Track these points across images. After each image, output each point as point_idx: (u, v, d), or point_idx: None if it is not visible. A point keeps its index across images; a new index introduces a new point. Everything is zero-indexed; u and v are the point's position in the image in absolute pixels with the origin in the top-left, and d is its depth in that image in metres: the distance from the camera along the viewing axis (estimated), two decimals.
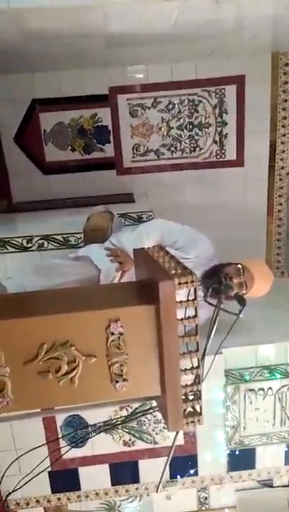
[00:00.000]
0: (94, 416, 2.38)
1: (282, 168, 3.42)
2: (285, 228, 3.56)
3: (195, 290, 1.13)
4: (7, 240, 2.42)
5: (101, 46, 2.67)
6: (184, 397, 1.21)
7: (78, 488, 2.67)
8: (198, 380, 1.20)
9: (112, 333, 1.18)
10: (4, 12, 1.91)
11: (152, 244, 1.89)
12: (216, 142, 3.48)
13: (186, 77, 3.32)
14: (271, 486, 2.76)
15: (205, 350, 1.60)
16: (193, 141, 3.48)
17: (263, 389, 2.40)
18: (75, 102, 3.36)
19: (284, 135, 3.34)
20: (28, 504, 2.68)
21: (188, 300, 1.14)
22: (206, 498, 2.79)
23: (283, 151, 3.38)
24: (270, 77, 3.26)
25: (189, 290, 1.13)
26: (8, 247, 2.43)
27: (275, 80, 3.24)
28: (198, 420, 1.23)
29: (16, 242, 2.42)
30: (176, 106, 3.40)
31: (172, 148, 3.50)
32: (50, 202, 3.39)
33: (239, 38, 2.69)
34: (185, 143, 3.49)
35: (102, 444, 2.54)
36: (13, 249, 2.43)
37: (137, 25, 2.31)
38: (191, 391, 1.20)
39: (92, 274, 1.99)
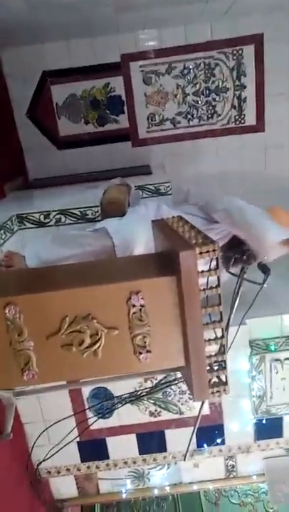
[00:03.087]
0: (119, 387, 2.41)
1: None
2: None
3: (217, 259, 1.09)
4: (25, 215, 2.41)
5: (111, 11, 2.57)
6: (208, 367, 1.19)
7: (107, 457, 2.75)
8: (222, 350, 1.19)
9: (134, 305, 1.17)
10: None
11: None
12: (234, 107, 3.34)
13: (200, 39, 3.17)
14: None
15: (228, 321, 1.58)
16: (211, 107, 3.35)
17: (288, 358, 2.38)
18: (87, 72, 3.25)
19: None
20: (58, 472, 2.78)
21: (210, 269, 1.10)
22: (233, 466, 2.83)
23: None
24: None
25: (211, 259, 1.09)
26: (26, 222, 2.43)
27: None
28: (224, 390, 1.23)
29: (33, 218, 2.41)
30: (192, 70, 3.25)
31: (189, 116, 3.38)
32: (66, 177, 3.36)
33: None
34: (202, 109, 3.36)
35: (129, 414, 2.59)
36: (31, 225, 2.43)
37: None
38: (215, 361, 1.19)
39: (109, 247, 1.97)
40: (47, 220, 2.41)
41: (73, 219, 2.41)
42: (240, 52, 3.18)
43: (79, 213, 2.40)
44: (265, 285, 1.68)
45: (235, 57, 3.20)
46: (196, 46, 3.18)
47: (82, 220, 2.40)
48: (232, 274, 1.79)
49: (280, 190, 3.41)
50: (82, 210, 2.40)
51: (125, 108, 3.36)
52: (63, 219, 2.41)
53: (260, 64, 3.20)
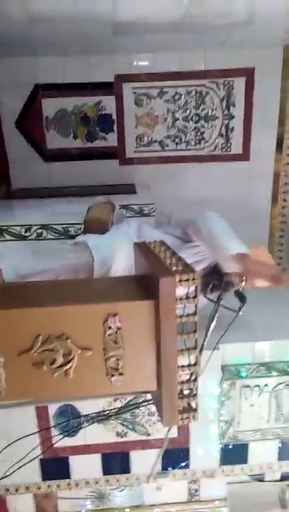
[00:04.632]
0: (87, 406, 2.38)
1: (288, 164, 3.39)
2: (288, 224, 3.54)
3: (196, 288, 1.11)
4: (5, 227, 2.39)
5: (108, 33, 2.62)
6: (179, 393, 1.20)
7: (69, 477, 2.68)
8: (195, 377, 1.19)
9: (110, 327, 1.17)
10: None
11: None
12: (221, 135, 3.44)
13: (194, 67, 3.27)
14: (262, 481, 2.77)
15: (202, 346, 1.59)
16: (199, 134, 3.43)
17: (258, 385, 2.41)
18: (79, 89, 3.31)
19: None
20: (17, 490, 2.69)
21: (188, 297, 1.12)
22: (196, 490, 2.81)
23: None
24: (281, 70, 3.19)
25: (190, 287, 1.11)
26: (5, 234, 2.41)
27: (286, 74, 3.18)
28: (194, 416, 1.23)
29: (13, 231, 2.39)
30: (183, 97, 3.34)
31: (177, 140, 3.45)
32: (50, 190, 3.36)
33: (250, 30, 2.65)
34: (190, 135, 3.44)
35: (95, 434, 2.54)
36: (11, 237, 2.40)
37: (146, 13, 2.28)
38: (187, 388, 1.20)
39: (87, 261, 1.96)
40: (28, 234, 2.39)
41: (55, 234, 2.40)
42: (231, 83, 3.30)
43: (61, 229, 2.39)
44: (240, 313, 1.70)
45: (226, 88, 3.31)
46: (189, 74, 3.27)
47: (63, 236, 2.40)
48: (209, 299, 1.81)
49: (260, 218, 3.51)
50: (64, 226, 2.40)
51: (115, 127, 3.41)
52: (45, 233, 2.40)
53: (250, 96, 3.31)
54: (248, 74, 3.26)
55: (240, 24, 2.50)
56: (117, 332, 1.17)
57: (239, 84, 3.30)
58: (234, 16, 2.33)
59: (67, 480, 2.69)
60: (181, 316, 1.13)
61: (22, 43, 2.85)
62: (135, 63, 3.25)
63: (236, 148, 3.46)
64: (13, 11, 2.13)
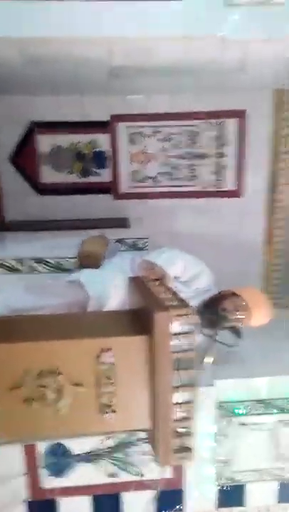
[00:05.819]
0: (78, 444, 2.30)
1: (281, 200, 3.46)
2: (282, 260, 3.57)
3: (191, 323, 1.11)
4: None
5: (104, 76, 2.73)
6: (175, 431, 1.17)
7: None
8: (191, 415, 1.17)
9: (103, 363, 1.16)
10: (7, 38, 1.96)
11: (172, 272, 1.90)
12: (214, 173, 3.52)
13: (186, 108, 3.38)
14: None
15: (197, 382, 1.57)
16: (192, 171, 3.52)
17: (256, 423, 2.35)
18: (74, 127, 3.39)
19: (283, 169, 3.39)
20: None
21: (183, 332, 1.12)
22: None
23: (282, 185, 3.42)
24: (272, 112, 3.32)
25: (184, 322, 1.11)
26: None
27: (277, 116, 3.31)
28: (189, 456, 1.20)
29: (6, 264, 2.38)
30: (176, 136, 3.44)
31: (170, 176, 3.53)
32: (44, 223, 3.37)
33: (241, 75, 2.77)
34: (183, 172, 3.52)
35: (85, 474, 2.45)
36: (3, 270, 2.39)
37: (141, 60, 2.38)
38: (183, 426, 1.17)
39: (82, 299, 1.95)
40: (20, 267, 2.38)
41: (48, 268, 2.40)
42: (223, 123, 3.41)
43: (54, 262, 2.39)
44: (236, 348, 1.70)
45: (217, 128, 3.42)
46: (182, 115, 3.39)
47: (57, 269, 2.39)
48: (205, 334, 1.80)
49: (251, 255, 3.55)
50: (58, 259, 2.39)
51: (109, 163, 3.48)
52: (38, 267, 2.39)
53: (242, 136, 3.42)
54: (240, 115, 3.37)
55: (231, 70, 2.61)
56: (110, 368, 1.15)
57: (231, 124, 3.41)
58: (226, 62, 2.44)
59: None
60: (176, 352, 1.12)
61: (19, 82, 2.95)
62: (129, 104, 3.36)
63: (229, 185, 3.53)
64: (11, 52, 2.21)
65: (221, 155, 3.47)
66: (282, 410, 2.33)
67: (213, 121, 3.40)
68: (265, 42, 2.12)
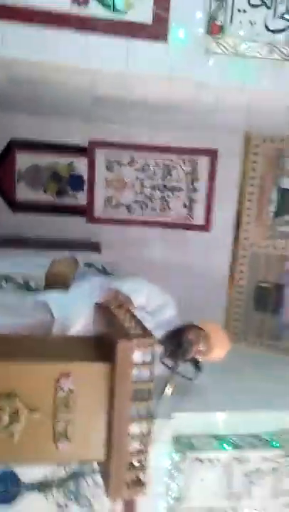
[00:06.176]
0: (29, 471, 2.21)
1: (246, 238, 3.57)
2: (244, 295, 3.66)
3: (153, 353, 1.12)
4: None
5: (87, 102, 2.79)
6: (128, 464, 1.16)
7: None
8: (146, 448, 1.16)
9: (62, 389, 1.14)
10: None
11: (136, 301, 1.90)
12: (185, 206, 3.62)
13: (163, 142, 3.50)
14: None
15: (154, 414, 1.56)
16: (164, 202, 3.61)
17: (210, 459, 2.33)
18: (54, 148, 3.43)
19: (249, 208, 3.52)
20: None
21: (144, 363, 1.12)
22: None
23: (248, 223, 3.54)
24: (242, 154, 3.47)
25: (146, 352, 1.12)
26: None
27: (246, 159, 3.46)
28: (142, 491, 1.18)
29: None
30: (152, 167, 3.54)
31: (143, 206, 3.60)
32: (16, 240, 3.34)
33: (216, 117, 2.90)
34: (156, 202, 3.61)
35: (34, 504, 2.34)
36: None
37: (124, 93, 2.47)
38: (137, 459, 1.16)
39: (46, 321, 1.93)
40: None
41: (14, 285, 2.35)
42: (196, 160, 3.54)
43: (22, 281, 2.35)
44: (195, 381, 1.71)
45: (191, 164, 3.55)
46: (158, 148, 3.50)
47: (24, 288, 2.35)
48: (165, 365, 1.80)
49: (215, 288, 3.62)
50: (25, 278, 2.36)
51: (85, 187, 3.52)
52: (4, 284, 2.35)
53: (212, 173, 3.55)
54: (212, 154, 3.52)
55: (207, 111, 2.74)
56: (68, 394, 1.14)
57: (203, 162, 3.54)
58: (203, 104, 2.56)
59: None
60: (136, 382, 1.12)
61: (1, 99, 2.97)
62: (110, 132, 3.44)
63: (198, 219, 3.64)
64: None
65: (193, 190, 3.59)
66: (236, 447, 2.33)
67: (187, 157, 3.53)
68: (239, 89, 2.26)
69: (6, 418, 1.13)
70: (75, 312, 1.91)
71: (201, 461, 2.32)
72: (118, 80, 2.27)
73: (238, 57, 2.19)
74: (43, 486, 2.22)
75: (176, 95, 2.43)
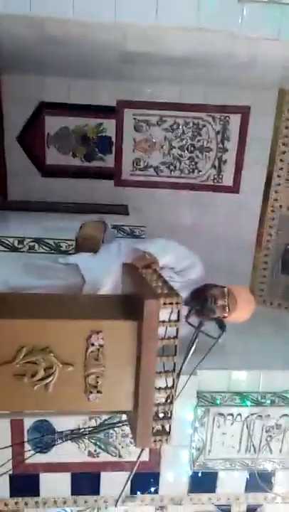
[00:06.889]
0: (62, 422, 2.36)
1: (276, 200, 3.49)
2: (271, 258, 3.62)
3: (179, 312, 1.16)
4: None
5: (116, 60, 2.73)
6: (154, 415, 1.22)
7: (37, 494, 2.63)
8: (170, 400, 1.23)
9: (92, 344, 1.20)
10: (25, 16, 1.96)
11: (164, 262, 1.94)
12: (214, 167, 3.55)
13: (193, 100, 3.39)
14: None
15: (180, 369, 1.62)
16: (193, 163, 3.54)
17: (232, 414, 2.43)
18: (82, 110, 3.40)
19: (281, 169, 3.41)
20: None
21: (170, 320, 1.16)
22: None
23: (279, 184, 3.45)
24: (275, 111, 3.33)
25: (173, 311, 1.16)
26: None
27: (279, 115, 3.33)
28: (166, 440, 1.25)
29: (7, 242, 2.41)
30: (181, 127, 3.46)
31: (171, 167, 3.56)
32: (46, 204, 3.39)
33: (249, 72, 2.78)
34: (184, 163, 3.55)
35: (67, 452, 2.52)
36: (3, 248, 2.42)
37: (155, 48, 2.38)
38: (162, 410, 1.23)
39: (77, 282, 2.00)
40: (20, 246, 2.41)
41: (47, 248, 2.42)
42: (227, 118, 3.43)
43: (53, 244, 2.42)
44: (219, 340, 1.75)
45: (222, 123, 3.44)
46: (188, 106, 3.40)
47: (55, 251, 2.42)
48: (190, 324, 1.85)
49: (242, 251, 3.60)
50: (56, 241, 2.42)
51: (113, 149, 3.50)
52: (37, 247, 2.42)
53: (244, 132, 3.44)
54: (244, 112, 3.40)
55: (240, 66, 2.62)
56: (99, 350, 1.20)
57: (235, 120, 3.43)
58: (236, 57, 2.45)
59: (36, 498, 2.64)
60: (162, 339, 1.17)
61: (32, 61, 2.94)
62: (138, 91, 3.37)
63: (227, 180, 3.57)
64: (26, 31, 2.21)
65: (223, 150, 3.50)
66: (256, 403, 2.41)
67: (218, 115, 3.42)
68: (274, 41, 2.13)
69: (41, 372, 1.20)
70: (104, 274, 1.97)
71: (223, 415, 2.42)
72: (147, 34, 2.18)
73: (274, 4, 2.04)
74: (75, 436, 2.37)
75: (206, 49, 2.31)
